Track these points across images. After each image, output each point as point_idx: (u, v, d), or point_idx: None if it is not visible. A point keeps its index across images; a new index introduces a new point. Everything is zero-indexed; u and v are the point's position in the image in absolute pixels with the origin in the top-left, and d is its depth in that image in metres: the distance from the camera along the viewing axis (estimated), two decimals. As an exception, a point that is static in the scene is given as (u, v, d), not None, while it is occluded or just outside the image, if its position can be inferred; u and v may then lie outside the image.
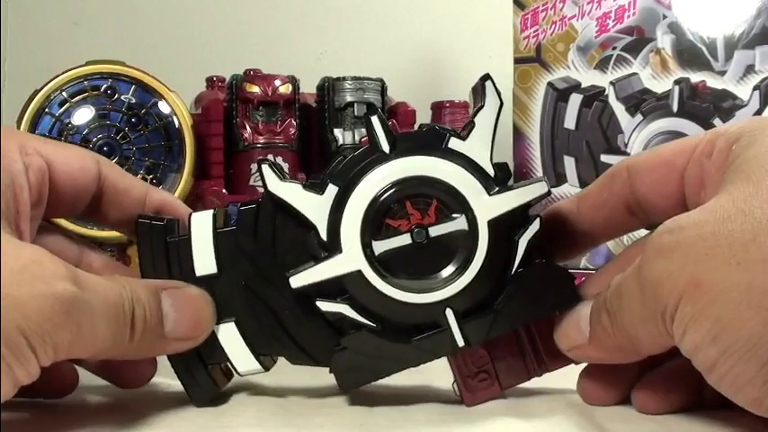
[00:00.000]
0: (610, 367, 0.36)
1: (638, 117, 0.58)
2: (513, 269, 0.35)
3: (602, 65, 0.59)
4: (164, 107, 0.54)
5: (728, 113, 0.56)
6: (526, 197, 0.35)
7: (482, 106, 0.35)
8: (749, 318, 0.28)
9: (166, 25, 0.88)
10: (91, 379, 0.38)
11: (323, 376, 0.36)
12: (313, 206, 0.35)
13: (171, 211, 0.38)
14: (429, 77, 0.85)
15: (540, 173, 0.61)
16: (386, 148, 0.35)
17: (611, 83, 0.59)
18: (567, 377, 0.37)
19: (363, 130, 0.55)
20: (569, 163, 0.60)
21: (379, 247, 0.35)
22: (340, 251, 0.34)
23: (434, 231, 0.35)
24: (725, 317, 0.28)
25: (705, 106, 0.56)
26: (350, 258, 0.34)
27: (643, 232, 0.39)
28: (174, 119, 0.54)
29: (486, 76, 0.35)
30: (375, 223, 0.35)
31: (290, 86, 0.57)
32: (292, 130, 0.57)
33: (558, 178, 0.61)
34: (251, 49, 0.86)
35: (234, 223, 0.36)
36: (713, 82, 0.56)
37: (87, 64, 0.53)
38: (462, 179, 0.35)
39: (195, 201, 0.55)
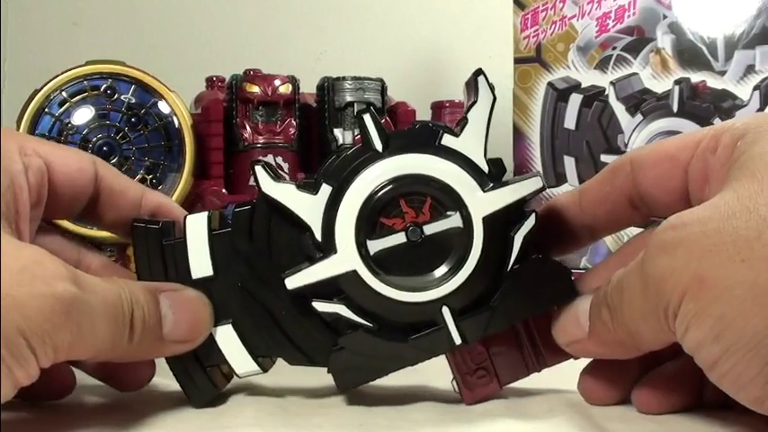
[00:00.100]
0: (611, 367, 0.36)
1: (639, 117, 0.58)
2: (510, 265, 0.35)
3: (603, 65, 0.59)
4: (163, 107, 0.54)
5: (728, 113, 0.56)
6: (521, 193, 0.35)
7: (475, 102, 0.35)
8: (753, 315, 0.28)
9: (166, 25, 0.88)
10: (90, 379, 0.38)
11: (321, 376, 0.36)
12: (307, 206, 0.35)
13: (167, 213, 0.38)
14: (429, 77, 0.85)
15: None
16: (379, 146, 0.35)
17: (612, 83, 0.59)
18: (566, 377, 0.37)
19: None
20: (569, 163, 0.60)
21: (374, 246, 0.35)
22: (335, 251, 0.34)
23: (429, 229, 0.35)
24: (728, 314, 0.28)
25: (705, 106, 0.56)
26: (345, 258, 0.34)
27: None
28: (174, 119, 0.54)
29: (479, 71, 0.35)
30: (369, 222, 0.34)
31: (290, 86, 0.57)
32: (292, 130, 0.57)
33: (558, 178, 0.61)
34: (251, 49, 0.86)
35: (229, 225, 0.36)
36: (713, 82, 0.56)
37: (87, 64, 0.53)
38: (456, 176, 0.34)
39: (195, 201, 0.55)
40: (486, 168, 0.35)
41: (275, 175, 0.35)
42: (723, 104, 0.56)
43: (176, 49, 0.87)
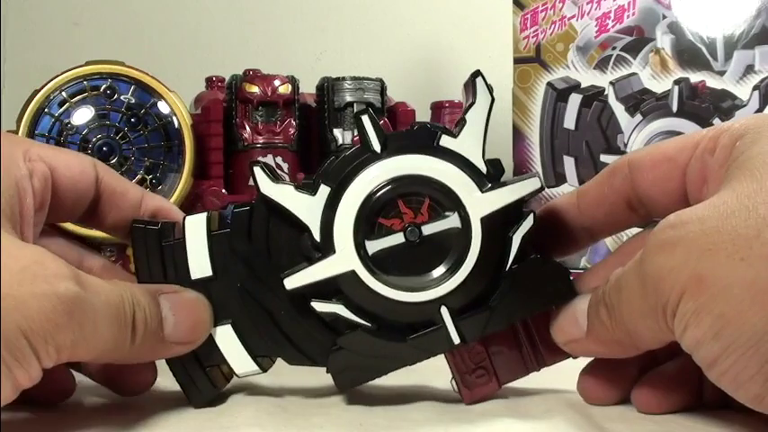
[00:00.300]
0: (610, 366, 0.36)
1: (638, 117, 0.58)
2: (508, 265, 0.35)
3: (602, 65, 0.59)
4: (163, 107, 0.54)
5: (728, 113, 0.56)
6: (519, 193, 0.35)
7: (473, 103, 0.35)
8: (752, 314, 0.28)
9: (166, 25, 0.88)
10: (90, 380, 0.38)
11: (321, 376, 0.36)
12: (305, 207, 0.35)
13: (166, 215, 0.38)
14: (429, 77, 0.85)
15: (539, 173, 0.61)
16: (377, 147, 0.35)
17: (611, 83, 0.59)
18: (566, 377, 0.37)
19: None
20: (569, 163, 0.60)
21: (373, 246, 0.35)
22: (333, 252, 0.34)
23: (427, 230, 0.35)
24: (727, 313, 0.28)
25: (705, 106, 0.56)
26: (343, 259, 0.34)
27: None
28: (174, 119, 0.54)
29: (477, 73, 0.35)
30: (368, 223, 0.35)
31: (290, 86, 0.57)
32: (292, 130, 0.57)
33: (558, 178, 0.61)
34: (251, 49, 0.86)
35: (228, 226, 0.36)
36: (713, 82, 0.56)
37: (87, 64, 0.53)
38: (454, 177, 0.34)
39: (195, 201, 0.55)
40: (484, 169, 0.35)
41: (274, 175, 0.35)
42: (723, 104, 0.56)
43: (176, 49, 0.87)
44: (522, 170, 0.61)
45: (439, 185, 0.34)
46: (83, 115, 0.53)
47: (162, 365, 0.37)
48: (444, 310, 0.35)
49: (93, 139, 0.53)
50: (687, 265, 0.29)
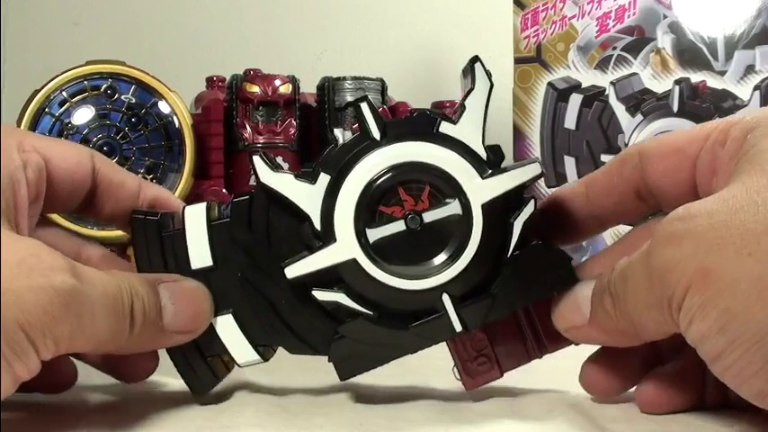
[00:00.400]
0: (613, 358, 0.36)
1: (639, 117, 0.58)
2: (509, 252, 0.35)
3: (603, 65, 0.59)
4: (164, 107, 0.54)
5: (728, 113, 0.56)
6: (520, 179, 0.34)
7: (472, 89, 0.35)
8: (759, 309, 0.28)
9: (166, 25, 0.88)
10: (90, 377, 0.38)
11: (321, 376, 0.36)
12: (305, 195, 0.34)
13: (165, 204, 0.38)
14: (429, 77, 0.85)
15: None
16: (376, 134, 0.34)
17: (612, 83, 0.59)
18: (566, 377, 0.37)
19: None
20: (569, 163, 0.60)
21: (374, 234, 0.34)
22: (334, 240, 0.34)
23: (428, 217, 0.34)
24: (733, 307, 0.28)
25: (705, 106, 0.56)
26: (344, 247, 0.34)
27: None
28: (174, 119, 0.54)
29: (476, 58, 0.35)
30: (368, 211, 0.34)
31: (290, 86, 0.57)
32: (292, 130, 0.57)
33: (559, 178, 0.61)
34: (251, 49, 0.86)
35: (227, 215, 0.36)
36: (713, 82, 0.56)
37: (87, 64, 0.54)
38: (454, 163, 0.34)
39: (195, 201, 0.55)
40: (484, 155, 0.35)
41: (273, 165, 0.35)
42: (723, 104, 0.56)
43: (176, 49, 0.87)
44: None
45: (439, 172, 0.34)
46: (83, 115, 0.53)
47: (163, 359, 0.37)
48: (446, 298, 0.35)
49: (94, 139, 0.53)
50: (694, 258, 0.29)
